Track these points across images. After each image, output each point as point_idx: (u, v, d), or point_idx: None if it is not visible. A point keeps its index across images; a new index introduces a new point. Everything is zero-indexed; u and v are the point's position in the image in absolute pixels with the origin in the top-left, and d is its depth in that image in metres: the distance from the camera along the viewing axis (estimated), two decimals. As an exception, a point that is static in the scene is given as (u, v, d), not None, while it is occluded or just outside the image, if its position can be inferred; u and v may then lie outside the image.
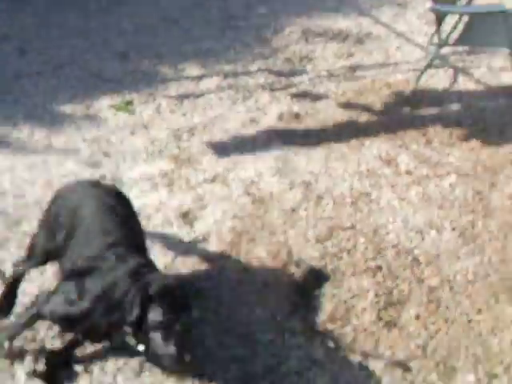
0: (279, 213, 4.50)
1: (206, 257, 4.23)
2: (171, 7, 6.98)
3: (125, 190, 4.42)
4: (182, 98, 5.79)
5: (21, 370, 3.34)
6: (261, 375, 3.53)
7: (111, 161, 4.96)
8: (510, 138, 5.10)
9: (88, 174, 4.86)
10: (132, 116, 5.39)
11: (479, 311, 3.93)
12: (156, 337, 3.14)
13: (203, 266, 4.18)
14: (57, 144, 5.29)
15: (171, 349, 3.10)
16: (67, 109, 5.62)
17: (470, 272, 4.16)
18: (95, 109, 5.55)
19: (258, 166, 4.90)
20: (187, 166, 4.92)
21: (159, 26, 6.65)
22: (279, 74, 6.04)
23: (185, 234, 4.44)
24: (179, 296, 3.21)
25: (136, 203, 4.30)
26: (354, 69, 6.07)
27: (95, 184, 3.88)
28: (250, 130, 5.26)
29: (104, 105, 5.59)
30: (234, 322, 3.82)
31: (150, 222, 4.49)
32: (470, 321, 3.87)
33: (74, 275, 3.33)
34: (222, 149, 5.13)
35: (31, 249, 3.72)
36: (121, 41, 6.45)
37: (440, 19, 5.37)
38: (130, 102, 5.51)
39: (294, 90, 5.82)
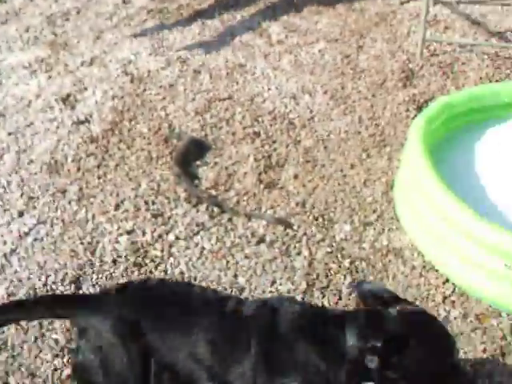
0: (158, 90, 4.61)
1: (90, 137, 4.38)
2: None
3: (3, 79, 4.47)
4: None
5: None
6: (151, 244, 3.71)
7: (-14, 51, 4.87)
8: (374, 2, 5.29)
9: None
10: (3, 4, 5.34)
11: (352, 166, 4.17)
12: None
13: (87, 147, 4.36)
14: None
15: None
16: None
17: (343, 131, 4.36)
18: (-36, -1, 5.38)
19: (134, 46, 4.98)
20: (64, 50, 4.93)
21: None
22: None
23: (67, 116, 4.53)
24: None
25: (16, 91, 4.37)
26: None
27: None
28: (124, 12, 5.27)
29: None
30: (122, 197, 4.02)
31: (31, 108, 4.58)
32: (344, 176, 4.13)
33: None
34: (97, 32, 5.07)
35: None
36: None
37: None
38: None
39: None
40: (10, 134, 4.28)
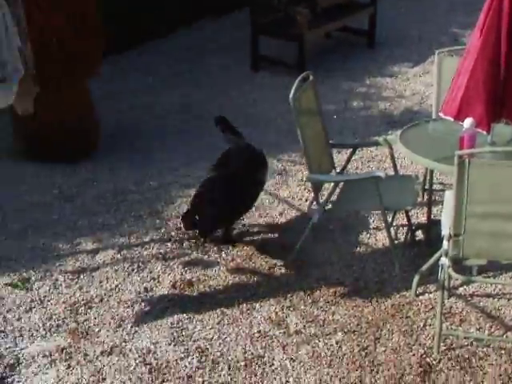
0: (176, 381, 4.62)
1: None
2: (66, 185, 7.21)
3: (23, 368, 4.80)
4: (78, 272, 5.80)
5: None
6: None
7: (8, 339, 5.06)
8: (389, 293, 5.44)
9: (-18, 355, 4.74)
10: (29, 292, 5.51)
11: None
12: None
13: None
14: (-47, 326, 5.06)
15: None
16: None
17: None
18: (-9, 289, 5.57)
19: (154, 335, 5.06)
20: (85, 339, 5.02)
21: (54, 203, 6.85)
22: (171, 243, 6.18)
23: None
24: None
25: (34, 381, 4.42)
26: (242, 235, 6.28)
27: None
28: (145, 300, 5.42)
29: (0, 283, 5.61)
30: None
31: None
32: None
33: None
34: (119, 320, 5.21)
35: None
36: (17, 219, 6.57)
37: (317, 187, 5.75)
38: (26, 279, 5.64)
39: (186, 259, 5.95)
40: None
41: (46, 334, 5.10)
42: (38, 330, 5.15)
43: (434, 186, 6.40)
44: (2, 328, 5.20)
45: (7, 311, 5.39)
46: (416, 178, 6.46)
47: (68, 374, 4.70)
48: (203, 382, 4.61)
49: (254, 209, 6.72)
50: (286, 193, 7.09)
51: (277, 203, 6.89)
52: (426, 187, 6.30)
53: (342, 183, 6.13)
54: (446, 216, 4.99)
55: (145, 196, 6.97)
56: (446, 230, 4.78)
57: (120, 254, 6.09)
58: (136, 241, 6.18)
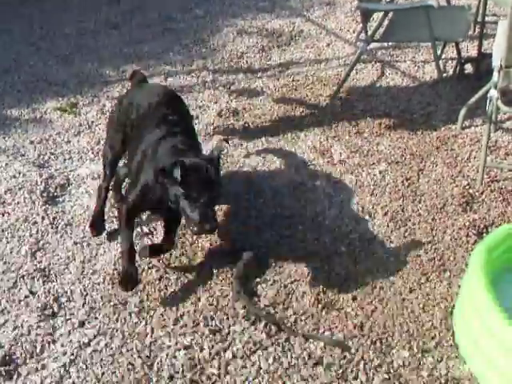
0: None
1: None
2: (112, 12, 7.13)
3: (72, 188, 4.82)
4: (124, 98, 5.80)
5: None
6: (208, 360, 3.77)
7: (58, 161, 5.16)
8: (435, 126, 5.41)
9: (35, 174, 5.09)
10: (77, 117, 5.57)
11: (411, 290, 4.16)
12: (185, 205, 3.81)
13: (149, 258, 4.49)
14: (4, 146, 5.46)
15: (195, 216, 3.76)
16: (14, 112, 5.72)
17: (402, 254, 4.29)
18: (41, 112, 5.69)
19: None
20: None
21: (100, 30, 6.81)
22: (217, 72, 6.14)
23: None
24: (206, 174, 3.84)
25: (84, 201, 4.54)
26: (288, 65, 6.22)
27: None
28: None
29: (49, 107, 5.71)
30: (181, 311, 4.12)
31: (98, 219, 4.50)
32: (403, 300, 4.11)
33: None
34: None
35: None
36: (65, 45, 6.56)
37: (366, 17, 5.61)
38: (74, 104, 5.69)
39: (232, 88, 5.94)
40: (75, 243, 4.42)
41: (94, 157, 5.16)
42: (86, 153, 5.21)
43: (487, 19, 6.11)
44: (52, 150, 5.23)
45: (56, 134, 5.43)
46: (469, 9, 6.11)
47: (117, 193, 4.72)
48: (248, 207, 4.62)
49: (300, 40, 6.57)
50: (334, 24, 6.93)
51: (324, 34, 6.76)
52: (479, 19, 6.03)
53: (391, 13, 5.87)
54: (497, 47, 4.85)
55: (190, 24, 6.84)
56: (496, 62, 4.65)
57: (166, 82, 6.03)
58: (182, 69, 6.12)
